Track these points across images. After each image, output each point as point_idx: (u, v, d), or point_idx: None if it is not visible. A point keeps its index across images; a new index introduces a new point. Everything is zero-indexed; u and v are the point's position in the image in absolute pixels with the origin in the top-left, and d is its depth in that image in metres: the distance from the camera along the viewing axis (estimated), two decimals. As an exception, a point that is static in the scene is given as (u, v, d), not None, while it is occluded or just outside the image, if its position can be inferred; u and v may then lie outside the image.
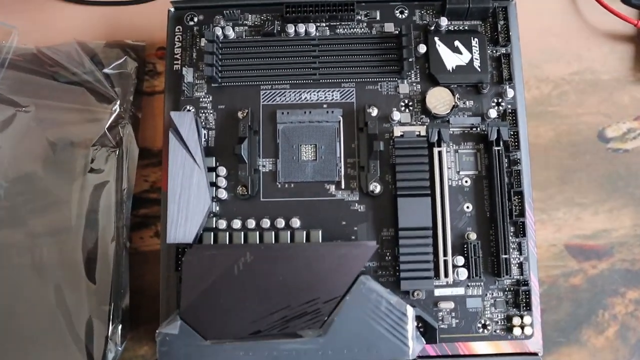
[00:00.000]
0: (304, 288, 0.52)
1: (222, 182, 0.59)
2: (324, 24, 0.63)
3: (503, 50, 0.62)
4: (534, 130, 0.69)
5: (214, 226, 0.58)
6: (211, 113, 0.61)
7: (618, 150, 0.69)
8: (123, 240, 0.66)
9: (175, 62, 0.63)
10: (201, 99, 0.61)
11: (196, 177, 0.57)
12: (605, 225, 0.68)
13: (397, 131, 0.59)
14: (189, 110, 0.61)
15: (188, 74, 0.62)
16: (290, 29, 0.61)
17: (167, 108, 0.62)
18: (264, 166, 0.60)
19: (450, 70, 0.60)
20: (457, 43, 0.61)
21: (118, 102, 0.67)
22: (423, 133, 0.59)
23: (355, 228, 0.59)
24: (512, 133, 0.59)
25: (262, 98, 0.61)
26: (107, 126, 0.67)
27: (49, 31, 0.72)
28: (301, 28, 0.61)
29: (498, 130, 0.58)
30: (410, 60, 0.60)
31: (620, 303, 0.67)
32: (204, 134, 0.61)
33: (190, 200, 0.57)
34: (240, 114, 0.60)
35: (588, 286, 0.67)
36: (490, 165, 0.59)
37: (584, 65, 0.71)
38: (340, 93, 0.61)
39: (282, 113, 0.60)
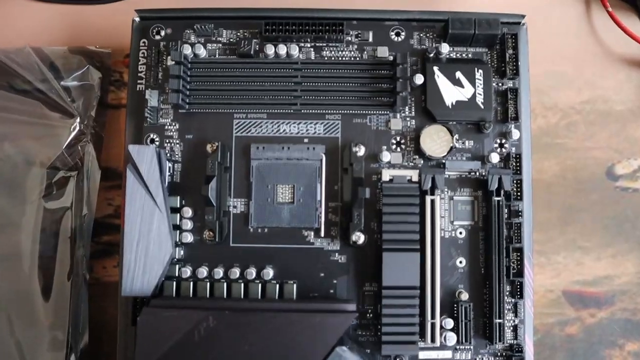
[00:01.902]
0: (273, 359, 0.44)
1: (188, 225, 0.50)
2: (309, 45, 0.52)
3: (510, 84, 0.52)
4: (537, 164, 0.59)
5: (177, 274, 0.49)
6: (177, 143, 0.51)
7: (627, 189, 0.60)
8: (82, 271, 0.57)
9: (139, 81, 0.52)
10: (166, 127, 0.51)
11: (157, 221, 0.48)
12: (608, 271, 0.59)
13: (386, 175, 0.49)
14: (151, 140, 0.51)
15: (152, 98, 0.51)
16: (270, 49, 0.51)
17: (128, 135, 0.52)
18: (234, 207, 0.51)
19: (450, 106, 0.50)
20: (458, 75, 0.51)
21: (78, 119, 0.57)
22: (415, 178, 0.49)
23: (335, 281, 0.50)
24: (515, 181, 0.50)
25: (235, 128, 0.51)
26: (65, 145, 0.57)
27: (2, 31, 0.61)
28: (282, 49, 0.51)
29: (500, 179, 0.49)
30: (404, 94, 0.50)
31: (618, 356, 0.59)
32: (169, 167, 0.51)
33: (150, 247, 0.47)
34: (209, 148, 0.50)
35: (585, 336, 0.59)
36: (489, 216, 0.50)
37: (597, 93, 0.61)
38: (324, 126, 0.51)
39: (257, 148, 0.50)
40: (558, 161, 0.61)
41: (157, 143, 0.51)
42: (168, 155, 0.51)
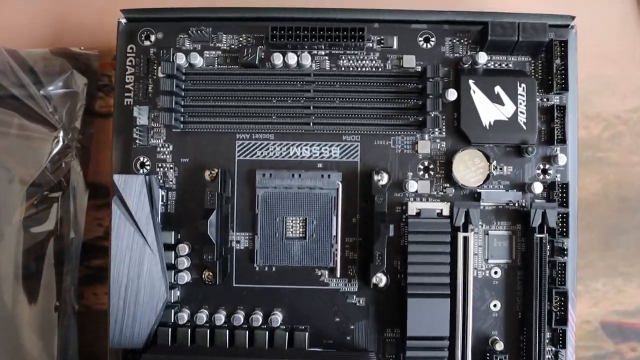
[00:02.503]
0: None
1: (184, 263, 0.42)
2: (323, 53, 0.43)
3: (556, 100, 0.43)
4: (576, 181, 0.51)
5: (173, 319, 0.42)
6: (171, 168, 0.43)
7: (677, 210, 0.52)
8: (70, 301, 0.50)
9: (126, 94, 0.44)
10: (159, 149, 0.43)
11: (148, 262, 0.40)
12: (652, 301, 0.52)
13: (413, 208, 0.42)
14: (141, 164, 0.43)
15: (142, 115, 0.43)
16: (278, 58, 0.42)
17: (114, 157, 0.44)
18: (238, 242, 0.43)
19: (487, 127, 0.42)
20: (498, 89, 0.42)
21: (61, 132, 0.49)
22: (446, 212, 0.42)
23: (352, 327, 0.43)
24: (560, 215, 0.42)
25: (238, 151, 0.43)
26: (47, 161, 0.49)
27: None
28: (292, 58, 0.42)
29: (544, 214, 0.41)
30: (435, 114, 0.41)
31: (659, 394, 0.52)
32: (162, 195, 0.43)
33: (140, 293, 0.40)
34: (208, 175, 0.42)
35: (624, 372, 0.52)
36: (529, 254, 0.42)
37: (646, 101, 0.53)
38: (341, 149, 0.43)
39: (263, 175, 0.42)
40: (600, 177, 0.53)
41: (148, 167, 0.43)
42: (161, 181, 0.43)
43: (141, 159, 0.44)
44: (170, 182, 0.44)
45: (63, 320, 0.49)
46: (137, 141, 0.43)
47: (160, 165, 0.44)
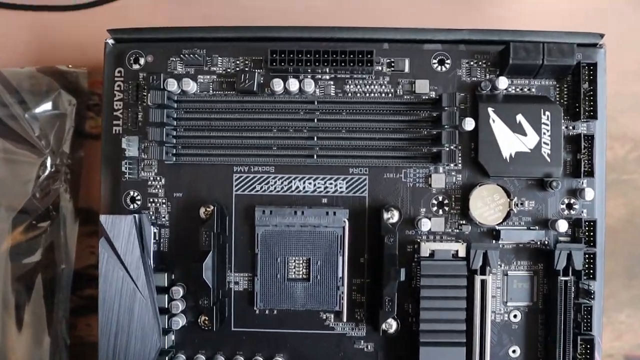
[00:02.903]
0: None
1: (179, 307, 0.39)
2: (327, 77, 0.39)
3: (584, 128, 0.39)
4: (600, 207, 0.46)
5: (167, 367, 0.39)
6: (164, 203, 0.39)
7: None
8: (62, 335, 0.46)
9: (115, 122, 0.40)
10: (150, 182, 0.39)
11: (139, 309, 0.37)
12: (679, 333, 0.48)
13: (426, 249, 0.38)
14: (131, 199, 0.39)
15: (131, 146, 0.39)
16: (278, 85, 0.38)
17: (103, 191, 0.40)
18: (236, 283, 0.39)
19: (507, 159, 0.38)
20: (520, 118, 0.38)
21: (49, 157, 0.45)
22: (462, 253, 0.37)
23: (359, 374, 0.39)
24: (587, 257, 0.38)
25: (236, 185, 0.39)
26: (34, 187, 0.45)
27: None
28: (293, 84, 0.38)
29: (569, 256, 0.37)
30: (451, 148, 0.37)
31: None
32: (154, 233, 0.39)
33: (131, 342, 0.37)
34: (203, 213, 0.38)
35: (648, 409, 0.48)
36: (551, 297, 0.38)
37: (677, 120, 0.48)
38: (347, 183, 0.39)
39: (263, 212, 0.38)
40: (625, 201, 0.49)
41: (139, 202, 0.39)
42: (152, 218, 0.39)
43: (131, 193, 0.40)
44: (163, 219, 0.40)
45: (55, 355, 0.46)
46: (127, 174, 0.39)
47: (152, 200, 0.40)
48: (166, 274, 0.39)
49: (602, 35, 0.40)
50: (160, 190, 0.40)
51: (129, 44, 0.40)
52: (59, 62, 0.48)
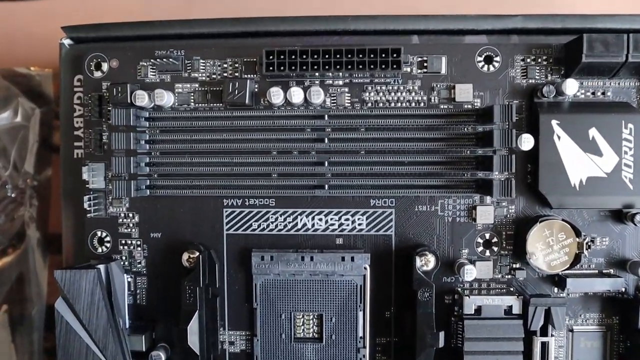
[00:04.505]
0: None
1: (161, 374, 0.29)
2: (341, 83, 0.29)
3: (677, 143, 0.28)
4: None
5: None
6: (139, 246, 0.30)
7: None
8: (36, 381, 0.38)
9: (76, 144, 0.30)
10: (121, 220, 0.30)
11: (108, 384, 0.27)
12: None
13: (470, 305, 0.28)
14: (99, 241, 0.30)
15: (95, 176, 0.29)
16: (277, 95, 0.28)
17: (65, 231, 0.31)
18: (232, 343, 0.30)
19: (577, 187, 0.27)
20: (593, 133, 0.27)
21: (9, 183, 0.36)
22: (517, 309, 0.28)
23: None
24: (679, 309, 0.28)
25: (227, 222, 0.29)
26: (-7, 216, 0.36)
27: None
28: (297, 94, 0.28)
29: (658, 312, 0.27)
30: (504, 178, 0.27)
31: None
32: (128, 283, 0.30)
33: None
34: (186, 260, 0.29)
35: None
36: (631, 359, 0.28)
37: None
38: (368, 219, 0.29)
39: (262, 258, 0.29)
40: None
41: (109, 245, 0.30)
42: (126, 264, 0.30)
43: (99, 233, 0.30)
44: (139, 265, 0.30)
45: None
46: (92, 211, 0.30)
47: (124, 242, 0.30)
48: (144, 336, 0.30)
49: (700, 19, 0.28)
50: (133, 230, 0.30)
51: (91, 45, 0.30)
52: (17, 64, 0.38)
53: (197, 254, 0.29)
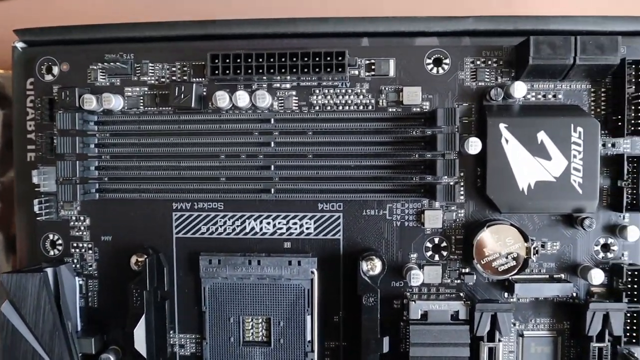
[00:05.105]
0: None
1: (111, 377, 0.29)
2: (288, 86, 0.28)
3: (627, 147, 0.27)
4: None
5: None
6: (90, 249, 0.29)
7: None
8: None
9: (29, 147, 0.30)
10: (72, 223, 0.29)
11: (56, 387, 0.27)
12: None
13: (417, 310, 0.27)
14: (51, 243, 0.30)
15: (46, 180, 0.29)
16: (222, 99, 0.27)
17: (19, 235, 0.30)
18: (182, 346, 0.30)
19: (525, 191, 0.27)
20: (542, 136, 0.27)
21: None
22: (463, 314, 0.27)
23: None
24: (628, 315, 0.27)
25: (176, 226, 0.29)
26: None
27: None
28: (242, 98, 0.27)
29: (606, 318, 0.26)
30: (449, 181, 0.26)
31: None
32: (80, 286, 0.29)
33: None
34: (134, 263, 0.29)
35: None
36: (581, 365, 0.28)
37: None
38: (316, 223, 0.28)
39: (210, 262, 0.28)
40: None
41: (60, 248, 0.30)
42: (77, 266, 0.30)
43: (51, 236, 0.30)
44: (90, 268, 0.30)
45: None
46: (43, 214, 0.29)
47: (75, 245, 0.30)
48: (93, 339, 0.29)
49: (654, 20, 0.28)
50: (85, 233, 0.30)
51: (43, 48, 0.30)
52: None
53: (145, 257, 0.28)
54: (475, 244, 0.27)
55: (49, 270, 0.28)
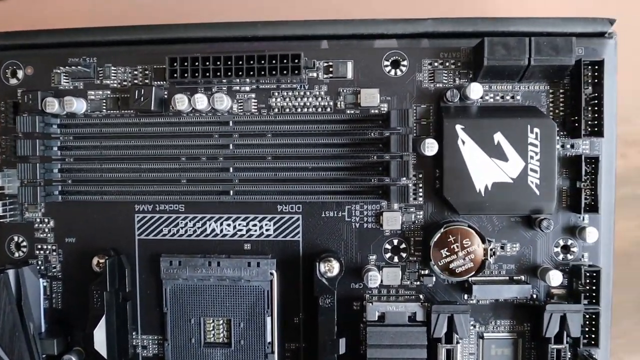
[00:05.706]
0: None
1: (75, 378, 0.29)
2: (247, 89, 0.28)
3: (586, 148, 0.27)
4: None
5: None
6: (54, 250, 0.29)
7: None
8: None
9: (-7, 151, 0.30)
10: (36, 225, 0.29)
11: (17, 388, 0.27)
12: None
13: (374, 311, 0.27)
14: (16, 246, 0.30)
15: (11, 181, 0.29)
16: (181, 101, 0.27)
17: (-17, 236, 0.30)
18: (144, 347, 0.29)
19: (482, 192, 0.26)
20: (498, 138, 0.26)
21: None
22: (420, 316, 0.27)
23: None
24: (587, 317, 0.27)
25: (138, 227, 0.29)
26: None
27: None
28: (201, 100, 0.27)
29: (563, 320, 0.26)
30: (403, 183, 0.26)
31: None
32: (44, 287, 0.29)
33: None
34: (95, 264, 0.28)
35: None
36: (541, 367, 0.27)
37: None
38: (276, 224, 0.28)
39: (171, 263, 0.28)
40: (641, 222, 0.37)
41: (25, 250, 0.29)
42: (42, 268, 0.29)
43: (15, 238, 0.30)
44: (54, 269, 0.30)
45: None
46: (7, 216, 0.29)
47: (40, 246, 0.30)
48: (56, 340, 0.29)
49: (612, 22, 0.27)
50: (49, 235, 0.30)
51: (7, 52, 0.30)
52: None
53: (107, 257, 0.28)
54: (432, 245, 0.27)
55: (10, 272, 0.28)
